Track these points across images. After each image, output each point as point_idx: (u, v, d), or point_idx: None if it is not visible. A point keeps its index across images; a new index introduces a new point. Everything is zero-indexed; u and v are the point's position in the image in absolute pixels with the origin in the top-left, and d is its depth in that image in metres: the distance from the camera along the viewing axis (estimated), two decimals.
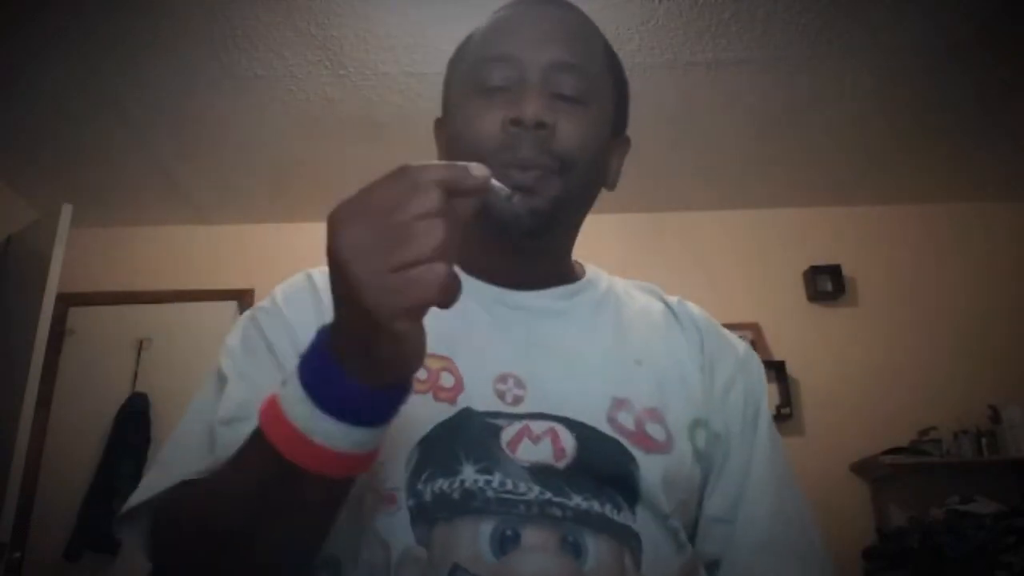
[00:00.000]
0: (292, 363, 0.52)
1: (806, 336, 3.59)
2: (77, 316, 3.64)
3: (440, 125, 0.81)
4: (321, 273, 0.73)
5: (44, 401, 3.19)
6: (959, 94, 2.97)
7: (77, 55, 2.61)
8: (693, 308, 0.82)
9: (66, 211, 2.88)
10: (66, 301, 3.46)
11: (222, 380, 0.68)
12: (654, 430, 0.68)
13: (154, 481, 0.63)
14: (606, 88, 0.76)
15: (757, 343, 3.51)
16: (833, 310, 3.65)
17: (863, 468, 3.32)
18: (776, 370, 3.48)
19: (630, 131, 0.85)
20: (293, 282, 0.75)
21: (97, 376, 3.54)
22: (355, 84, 2.83)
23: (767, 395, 0.78)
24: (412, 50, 2.66)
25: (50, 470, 3.38)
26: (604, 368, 0.71)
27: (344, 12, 2.48)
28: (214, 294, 3.68)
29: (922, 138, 3.27)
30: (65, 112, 2.93)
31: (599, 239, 3.57)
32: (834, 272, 3.63)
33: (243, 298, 3.65)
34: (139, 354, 3.58)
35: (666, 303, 0.81)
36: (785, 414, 3.42)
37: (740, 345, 0.80)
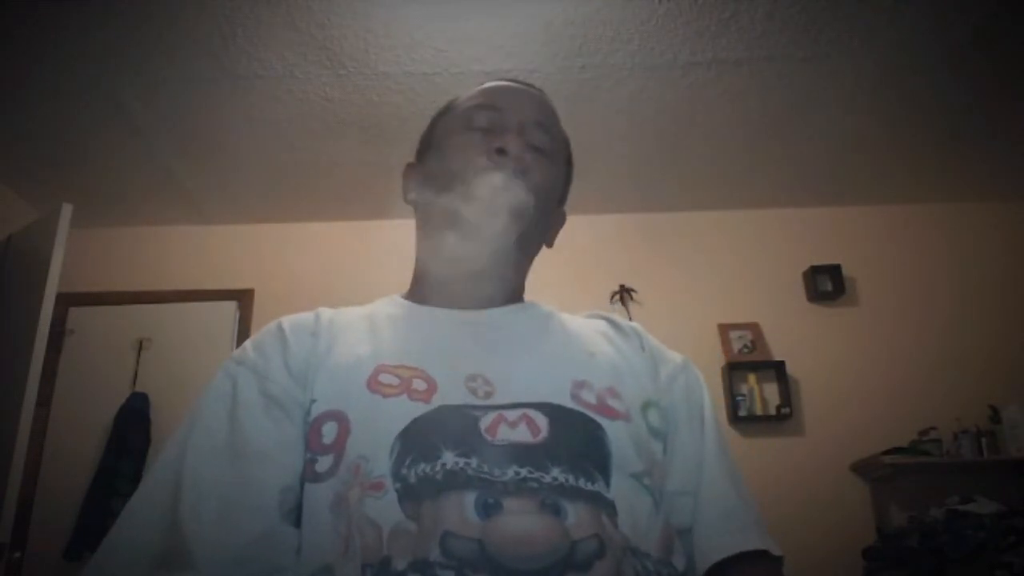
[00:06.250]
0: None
1: (806, 336, 3.59)
2: (77, 316, 3.65)
3: (412, 169, 0.93)
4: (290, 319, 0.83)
5: (44, 401, 3.19)
6: (959, 94, 2.97)
7: (77, 55, 2.62)
8: (633, 323, 0.92)
9: (66, 211, 2.87)
10: (66, 301, 3.46)
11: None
12: (615, 403, 0.75)
13: None
14: (563, 159, 0.91)
15: (757, 343, 3.51)
16: (833, 310, 3.65)
17: (863, 468, 3.32)
18: (776, 370, 3.49)
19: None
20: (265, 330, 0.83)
21: (97, 376, 3.54)
22: (355, 84, 2.84)
23: (708, 395, 0.85)
24: (412, 50, 2.66)
25: (50, 470, 3.38)
26: (562, 357, 0.80)
27: (344, 12, 2.48)
28: (214, 294, 3.68)
29: (922, 138, 3.27)
30: (65, 112, 2.94)
31: (600, 239, 3.57)
32: (834, 272, 3.64)
33: (243, 298, 3.66)
34: (139, 354, 3.59)
35: (607, 319, 0.91)
36: (785, 414, 3.42)
37: (678, 356, 0.89)
